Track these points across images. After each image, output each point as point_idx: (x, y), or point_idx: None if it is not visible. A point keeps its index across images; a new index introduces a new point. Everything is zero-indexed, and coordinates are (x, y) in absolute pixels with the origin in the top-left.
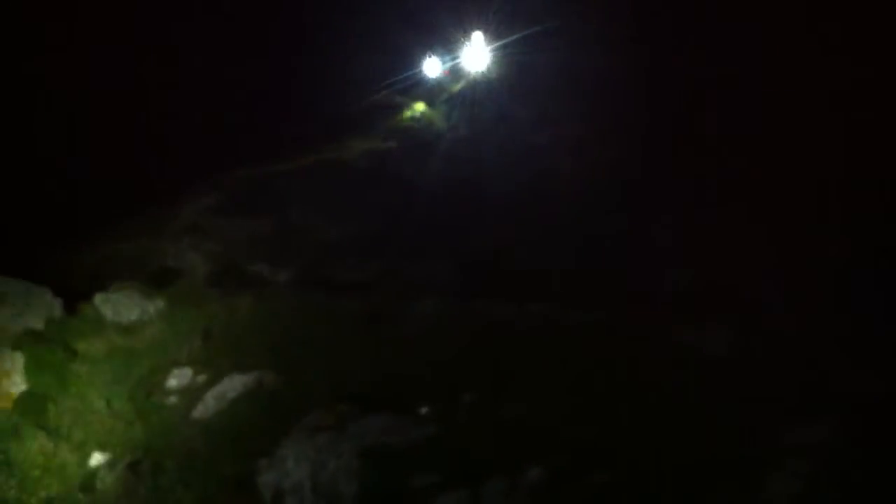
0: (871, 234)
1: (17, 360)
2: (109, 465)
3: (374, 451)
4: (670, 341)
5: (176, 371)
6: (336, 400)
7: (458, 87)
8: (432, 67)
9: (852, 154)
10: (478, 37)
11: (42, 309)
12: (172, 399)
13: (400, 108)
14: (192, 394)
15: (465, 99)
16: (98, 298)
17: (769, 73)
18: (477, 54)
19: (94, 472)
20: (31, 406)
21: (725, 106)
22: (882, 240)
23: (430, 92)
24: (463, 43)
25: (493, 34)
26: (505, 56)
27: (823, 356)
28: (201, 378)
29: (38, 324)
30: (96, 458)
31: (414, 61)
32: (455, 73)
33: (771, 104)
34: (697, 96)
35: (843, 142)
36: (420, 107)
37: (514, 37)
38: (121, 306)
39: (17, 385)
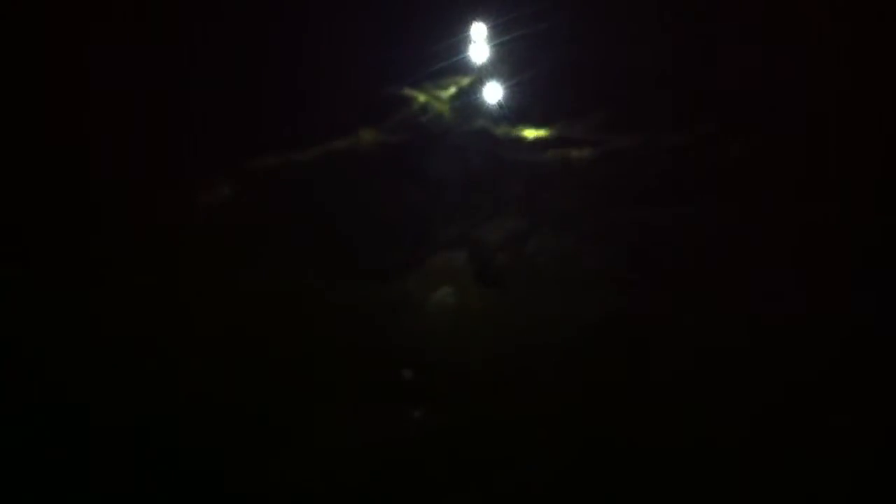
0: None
1: None
2: None
3: (383, 443)
4: (685, 333)
5: None
6: (347, 390)
7: (465, 81)
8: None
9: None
10: (481, 32)
11: None
12: None
13: (410, 100)
14: None
15: (473, 93)
16: None
17: (777, 67)
18: (481, 50)
19: None
20: None
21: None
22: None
23: (440, 85)
24: (468, 39)
25: (496, 30)
26: (509, 51)
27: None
28: None
29: None
30: None
31: (422, 54)
32: (462, 67)
33: (777, 98)
34: (699, 89)
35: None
36: (430, 99)
37: (517, 33)
38: None
39: None
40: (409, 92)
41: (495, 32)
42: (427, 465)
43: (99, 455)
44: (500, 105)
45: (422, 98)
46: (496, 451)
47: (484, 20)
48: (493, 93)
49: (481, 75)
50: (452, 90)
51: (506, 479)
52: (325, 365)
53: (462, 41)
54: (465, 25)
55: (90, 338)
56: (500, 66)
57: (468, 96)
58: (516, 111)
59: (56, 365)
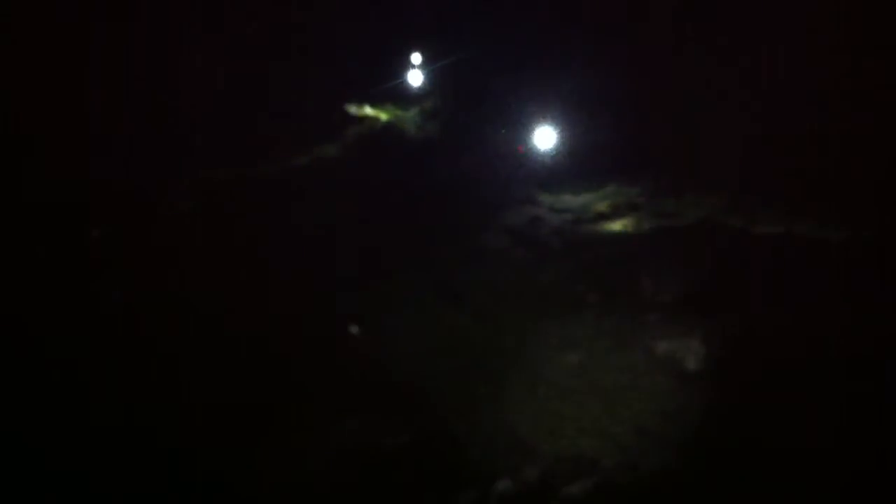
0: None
1: None
2: None
3: (349, 454)
4: (654, 348)
5: None
6: (313, 402)
7: (428, 103)
8: (405, 83)
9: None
10: (418, 57)
11: None
12: None
13: (368, 116)
14: None
15: (433, 109)
16: None
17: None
18: (419, 74)
19: None
20: None
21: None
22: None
23: (398, 101)
24: (434, 65)
25: (435, 53)
26: (450, 74)
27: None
28: None
29: None
30: None
31: (380, 72)
32: (403, 91)
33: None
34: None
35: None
36: (389, 115)
37: (455, 57)
38: None
39: None
40: (369, 107)
41: (432, 57)
42: (395, 476)
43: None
44: (455, 120)
45: (384, 116)
46: (463, 463)
47: (451, 47)
48: (457, 115)
49: (444, 99)
50: (415, 110)
51: (470, 493)
52: (295, 378)
53: (427, 68)
54: (430, 53)
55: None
56: (465, 91)
57: (430, 117)
58: (477, 130)
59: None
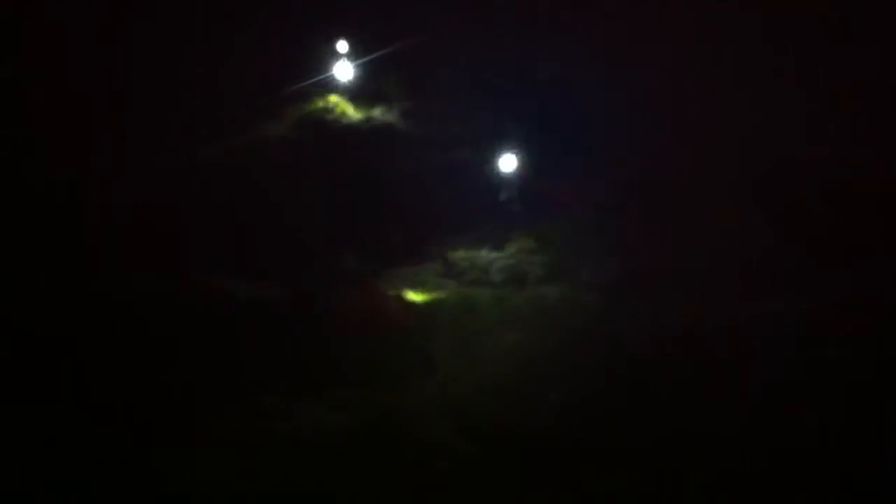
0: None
1: None
2: None
3: (288, 441)
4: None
5: None
6: (251, 391)
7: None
8: (343, 69)
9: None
10: (346, 47)
11: None
12: None
13: (312, 99)
14: None
15: (376, 93)
16: None
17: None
18: (347, 66)
19: None
20: None
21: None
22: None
23: (344, 86)
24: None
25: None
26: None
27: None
28: None
29: None
30: None
31: (323, 57)
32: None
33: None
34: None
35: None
36: (334, 99)
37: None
38: None
39: None
40: (313, 91)
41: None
42: (333, 461)
43: None
44: (405, 112)
45: (327, 97)
46: (402, 447)
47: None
48: (402, 99)
49: (390, 86)
50: (360, 92)
51: (411, 476)
52: (232, 362)
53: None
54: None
55: None
56: (411, 78)
57: (379, 98)
58: (421, 116)
59: None
